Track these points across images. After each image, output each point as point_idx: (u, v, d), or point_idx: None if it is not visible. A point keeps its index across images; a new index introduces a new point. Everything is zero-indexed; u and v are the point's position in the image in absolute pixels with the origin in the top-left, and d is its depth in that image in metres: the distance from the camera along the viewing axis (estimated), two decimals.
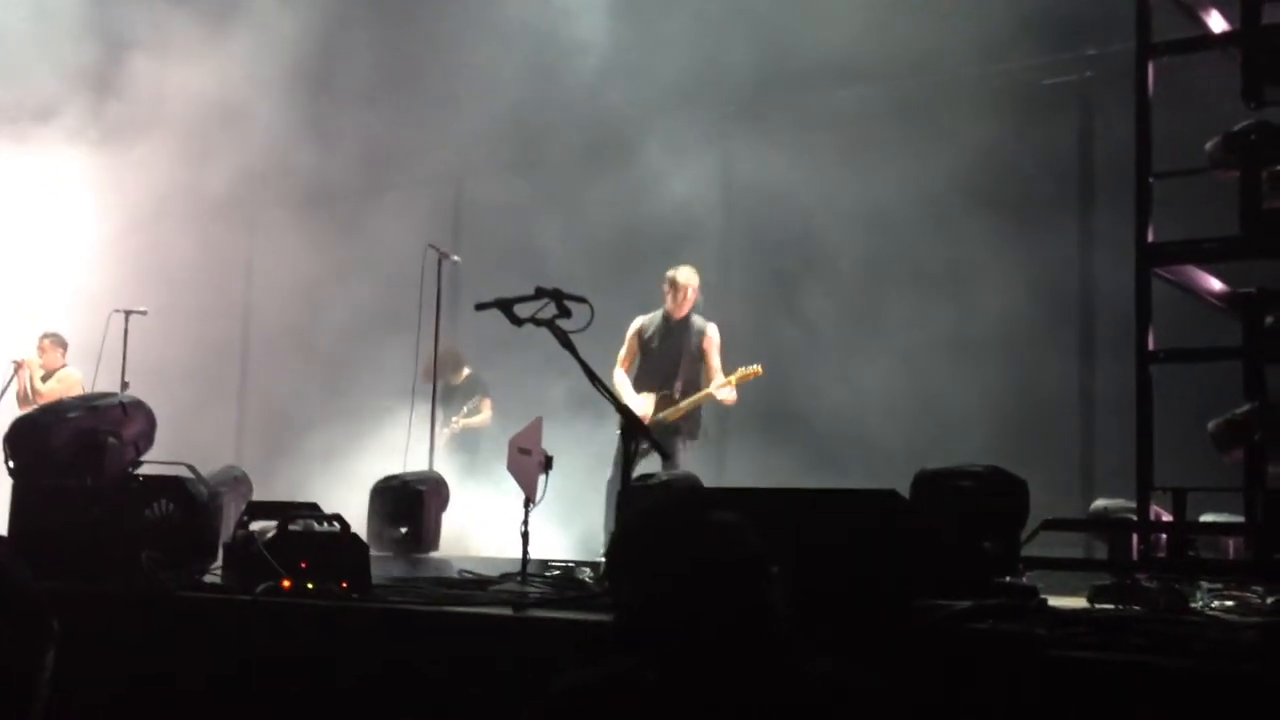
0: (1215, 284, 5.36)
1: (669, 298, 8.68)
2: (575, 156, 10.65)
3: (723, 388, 8.46)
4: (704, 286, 8.79)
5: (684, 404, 8.54)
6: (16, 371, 10.78)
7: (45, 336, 11.00)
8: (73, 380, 10.77)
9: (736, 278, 10.66)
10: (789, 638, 2.22)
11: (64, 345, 11.02)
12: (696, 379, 8.63)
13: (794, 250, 9.69)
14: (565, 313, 4.76)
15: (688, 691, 2.19)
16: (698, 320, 8.72)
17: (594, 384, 4.75)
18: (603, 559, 6.30)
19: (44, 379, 10.87)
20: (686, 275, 8.67)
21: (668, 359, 8.67)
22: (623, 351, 8.77)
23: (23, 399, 10.66)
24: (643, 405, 8.49)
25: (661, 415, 8.50)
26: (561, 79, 10.10)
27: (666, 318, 8.73)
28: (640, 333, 8.79)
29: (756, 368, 8.53)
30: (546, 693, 2.31)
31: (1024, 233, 8.76)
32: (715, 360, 8.61)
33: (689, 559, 2.20)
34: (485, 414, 10.34)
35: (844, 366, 9.41)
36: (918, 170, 9.14)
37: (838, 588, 3.34)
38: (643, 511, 2.38)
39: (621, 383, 8.66)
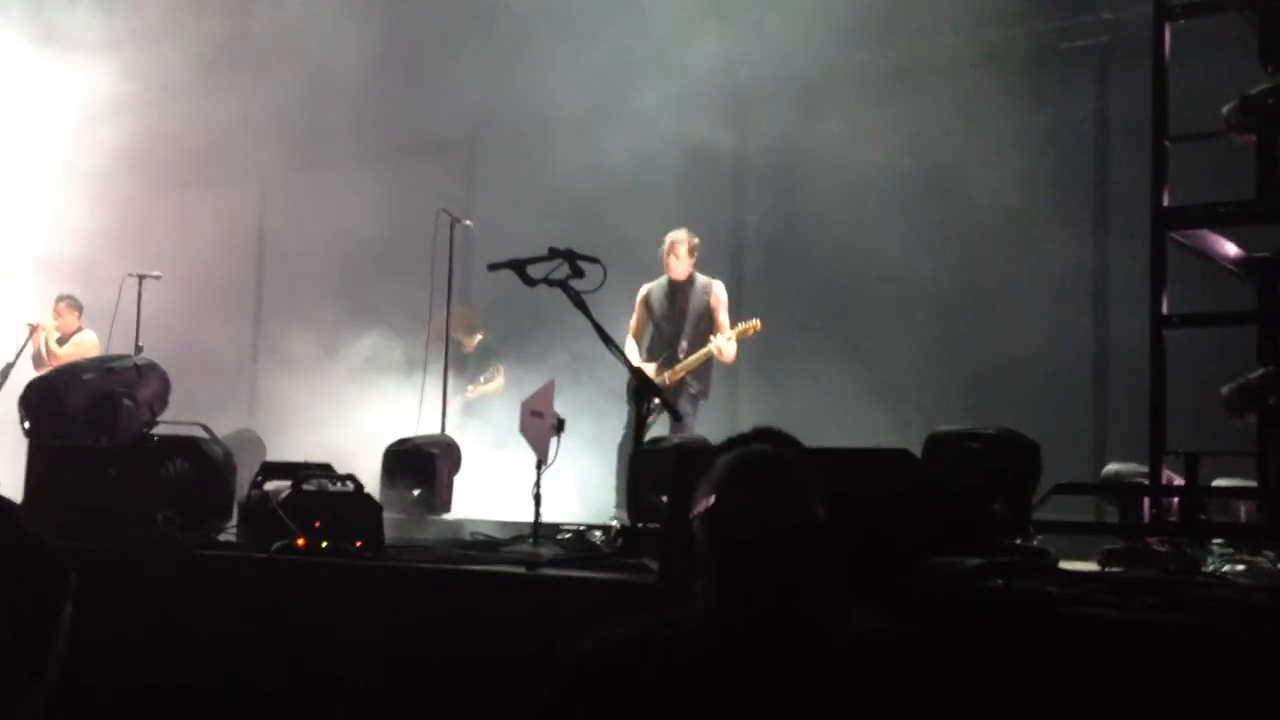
0: (1230, 248, 5.35)
1: (668, 262, 8.74)
2: (586, 122, 10.60)
3: (724, 342, 8.52)
4: (710, 248, 8.85)
5: (688, 360, 8.56)
6: (32, 334, 10.81)
7: (61, 299, 11.03)
8: (89, 344, 10.80)
9: (750, 237, 10.65)
10: (842, 594, 2.25)
11: (80, 308, 11.05)
12: (704, 338, 8.65)
13: (808, 213, 9.66)
14: (578, 273, 4.78)
15: (735, 641, 2.20)
16: (702, 279, 8.80)
17: (606, 345, 4.77)
18: (614, 522, 6.34)
19: (60, 342, 10.91)
20: (681, 235, 8.75)
21: (674, 321, 8.74)
22: (633, 321, 8.82)
23: (38, 361, 10.70)
24: (649, 371, 8.54)
25: (664, 376, 8.53)
26: (573, 43, 10.06)
27: (671, 281, 8.78)
28: (647, 299, 8.85)
29: (756, 322, 8.63)
30: (580, 648, 2.31)
31: (1039, 196, 8.72)
32: (723, 317, 8.68)
33: (758, 512, 2.21)
34: (499, 381, 10.35)
35: (856, 326, 9.41)
36: (933, 134, 9.11)
37: (847, 546, 3.34)
38: (731, 453, 2.36)
39: (631, 353, 8.71)
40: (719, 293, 8.74)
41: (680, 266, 8.73)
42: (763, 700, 2.17)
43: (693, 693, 2.19)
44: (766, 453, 2.32)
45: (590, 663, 2.30)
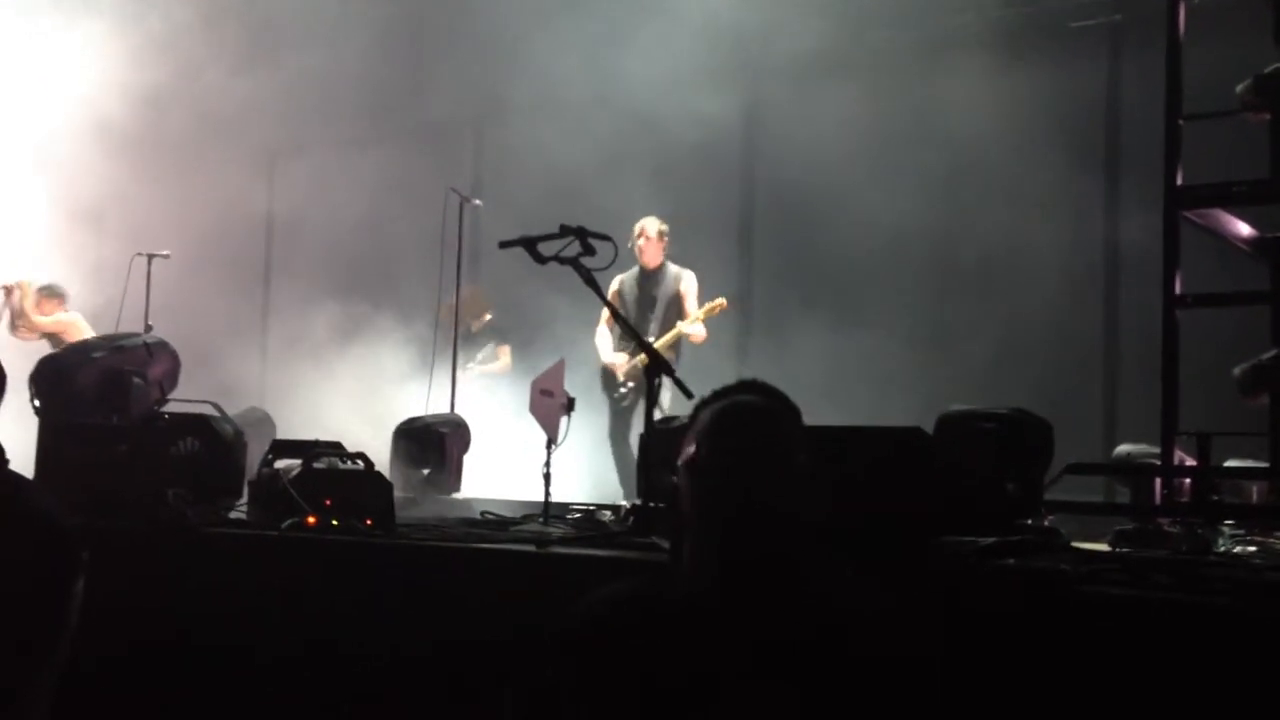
0: (1244, 228, 5.32)
1: (637, 249, 8.78)
2: (596, 101, 10.58)
3: (692, 324, 8.60)
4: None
5: (658, 343, 8.57)
6: (8, 296, 10.71)
7: (38, 290, 10.82)
8: (69, 320, 10.65)
9: (759, 213, 10.64)
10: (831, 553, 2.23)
11: (59, 296, 10.82)
12: (672, 324, 8.73)
13: (818, 190, 9.63)
14: (589, 251, 4.76)
15: (725, 602, 2.18)
16: (673, 268, 8.87)
17: (617, 321, 4.76)
18: (624, 501, 6.34)
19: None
20: (648, 223, 8.79)
21: (643, 307, 8.80)
22: (606, 312, 8.76)
23: (14, 324, 10.60)
24: (620, 359, 8.63)
25: (635, 361, 8.57)
26: (579, 21, 10.03)
27: (641, 270, 8.85)
28: (619, 290, 8.88)
29: (721, 301, 8.72)
30: (579, 604, 2.28)
31: (1051, 175, 8.69)
32: (691, 305, 8.76)
33: (743, 466, 2.19)
34: (504, 360, 10.34)
35: (866, 304, 9.40)
36: (944, 113, 9.07)
37: (860, 524, 3.34)
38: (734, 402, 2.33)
39: (602, 341, 8.78)
40: (689, 281, 8.81)
41: (651, 252, 8.78)
42: (756, 666, 2.14)
43: (684, 659, 2.16)
44: (752, 403, 2.30)
45: (576, 631, 2.27)
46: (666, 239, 8.83)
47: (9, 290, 10.71)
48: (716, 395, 2.34)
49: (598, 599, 2.30)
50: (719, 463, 2.23)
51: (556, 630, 2.30)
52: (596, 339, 8.90)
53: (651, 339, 8.56)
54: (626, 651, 2.20)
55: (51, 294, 10.82)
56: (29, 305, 10.64)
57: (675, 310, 8.75)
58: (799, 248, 10.08)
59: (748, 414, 2.27)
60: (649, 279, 8.83)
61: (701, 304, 8.74)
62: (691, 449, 2.26)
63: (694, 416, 2.32)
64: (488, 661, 3.89)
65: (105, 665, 4.05)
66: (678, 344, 8.69)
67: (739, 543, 2.19)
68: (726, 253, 9.96)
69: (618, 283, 8.86)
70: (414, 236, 10.57)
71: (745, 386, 2.34)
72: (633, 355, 8.65)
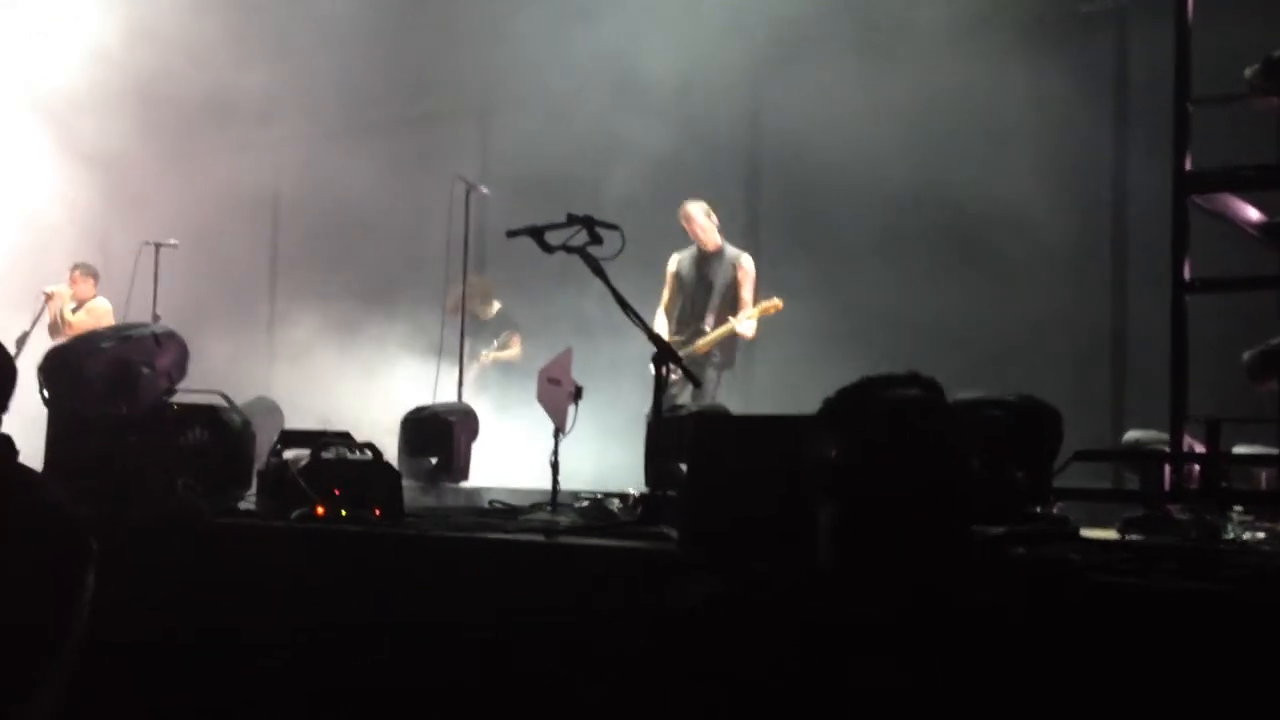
0: (1253, 213, 5.30)
1: (689, 233, 8.75)
2: (597, 86, 10.55)
3: (744, 320, 8.54)
4: (725, 217, 8.94)
5: (710, 336, 8.56)
6: (47, 303, 10.82)
7: (76, 267, 11.06)
8: (102, 310, 10.82)
9: (766, 204, 10.61)
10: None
11: (95, 275, 11.07)
12: (730, 311, 8.67)
13: (823, 178, 9.60)
14: (596, 240, 4.77)
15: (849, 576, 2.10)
16: (731, 251, 8.79)
17: (625, 312, 4.76)
18: (638, 490, 6.33)
19: (74, 310, 10.93)
20: (692, 206, 8.74)
21: (700, 292, 8.74)
22: (665, 294, 8.82)
23: (54, 330, 10.74)
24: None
25: (690, 348, 8.51)
26: (583, 9, 10.00)
27: (700, 250, 8.78)
28: (677, 271, 8.85)
29: (777, 301, 8.65)
30: (681, 602, 2.18)
31: (1059, 160, 8.66)
32: (747, 293, 8.68)
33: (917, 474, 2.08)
34: (515, 349, 10.37)
35: (875, 295, 9.37)
36: (952, 97, 9.03)
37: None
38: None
39: (661, 328, 8.73)
40: (746, 267, 8.73)
41: (707, 235, 8.72)
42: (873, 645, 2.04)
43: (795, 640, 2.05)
44: (938, 400, 2.17)
45: (702, 609, 2.17)
46: (714, 218, 8.75)
47: (49, 297, 10.81)
48: (876, 384, 2.21)
49: (700, 594, 2.19)
50: (903, 456, 2.11)
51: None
52: (656, 325, 8.83)
53: (708, 327, 8.59)
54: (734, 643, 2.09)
55: (88, 271, 10.99)
56: (68, 312, 10.77)
57: (732, 296, 8.67)
58: (804, 239, 10.03)
59: (942, 413, 2.17)
60: (707, 261, 8.76)
61: (756, 294, 8.69)
62: (867, 434, 2.13)
63: (861, 397, 2.19)
64: (495, 651, 3.90)
65: (116, 655, 4.06)
66: (731, 334, 8.65)
67: (906, 535, 2.10)
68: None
69: (675, 262, 8.84)
70: (421, 225, 10.56)
71: (917, 381, 2.22)
72: (685, 345, 8.54)
